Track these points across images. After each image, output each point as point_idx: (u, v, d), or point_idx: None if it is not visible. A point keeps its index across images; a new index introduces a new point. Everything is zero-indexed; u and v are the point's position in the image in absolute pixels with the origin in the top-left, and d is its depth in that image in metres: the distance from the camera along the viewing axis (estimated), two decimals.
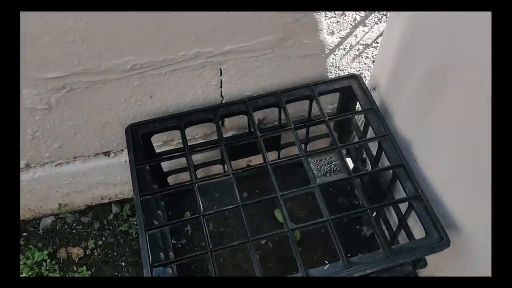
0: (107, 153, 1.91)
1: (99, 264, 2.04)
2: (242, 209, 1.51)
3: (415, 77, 1.50)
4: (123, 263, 2.04)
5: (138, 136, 1.69)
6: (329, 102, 1.98)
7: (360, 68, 1.92)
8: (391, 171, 1.62)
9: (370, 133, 1.74)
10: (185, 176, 2.13)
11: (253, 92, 1.81)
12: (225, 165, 1.61)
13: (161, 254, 1.55)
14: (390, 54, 1.66)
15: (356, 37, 1.73)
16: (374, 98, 1.72)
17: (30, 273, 1.95)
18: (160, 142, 1.94)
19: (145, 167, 1.63)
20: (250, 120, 1.74)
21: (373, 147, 1.78)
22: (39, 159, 1.82)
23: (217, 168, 1.99)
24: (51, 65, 1.40)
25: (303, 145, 2.02)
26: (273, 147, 1.99)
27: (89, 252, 2.06)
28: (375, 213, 1.55)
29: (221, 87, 1.75)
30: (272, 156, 1.74)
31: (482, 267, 1.36)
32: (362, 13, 1.64)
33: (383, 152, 1.65)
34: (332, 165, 1.61)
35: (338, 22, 1.63)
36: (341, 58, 1.80)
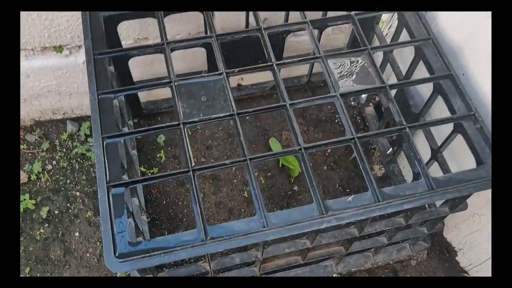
0: (59, 49, 1.45)
1: (46, 193, 1.62)
2: (238, 119, 1.11)
3: None
4: (77, 193, 1.63)
5: (99, 20, 1.24)
6: None
7: None
8: (426, 88, 1.24)
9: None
10: (160, 92, 1.71)
11: None
12: (217, 62, 1.19)
13: (124, 176, 1.15)
14: None
15: None
16: None
17: None
18: (130, 40, 1.50)
19: (105, 60, 1.19)
20: (248, 18, 1.32)
21: (407, 57, 1.38)
22: None
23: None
24: None
25: None
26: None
27: (35, 177, 1.64)
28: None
29: None
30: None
31: None
32: None
33: (422, 62, 1.27)
34: (358, 71, 1.21)
35: None
36: None
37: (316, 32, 1.34)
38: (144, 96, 1.70)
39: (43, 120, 1.74)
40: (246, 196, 1.68)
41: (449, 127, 1.21)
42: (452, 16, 1.28)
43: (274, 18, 1.55)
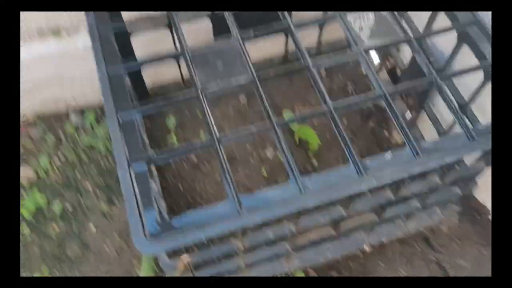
0: (56, 32, 1.37)
1: (57, 189, 1.55)
2: (261, 85, 1.03)
3: None
4: (88, 186, 1.55)
5: None
6: None
7: None
8: (447, 40, 1.17)
9: None
10: (168, 74, 1.63)
11: None
12: (230, 28, 1.11)
13: (142, 153, 1.07)
14: None
15: None
16: None
17: None
18: (131, 18, 1.41)
19: (110, 35, 1.11)
20: None
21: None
22: None
23: None
24: None
25: None
26: None
27: (43, 174, 1.56)
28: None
29: None
30: None
31: None
32: None
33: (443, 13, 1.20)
34: (378, 25, 1.14)
35: None
36: None
37: None
38: (150, 80, 1.62)
39: (46, 113, 1.66)
40: (265, 175, 1.61)
41: (477, 80, 1.15)
42: None
43: None
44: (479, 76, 1.13)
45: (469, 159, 1.25)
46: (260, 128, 0.99)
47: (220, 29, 1.39)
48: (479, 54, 1.12)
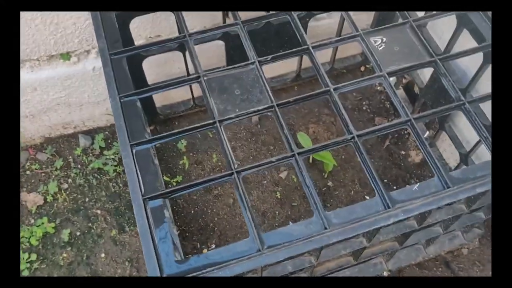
0: (66, 56, 1.33)
1: (65, 214, 1.50)
2: (279, 111, 0.99)
3: None
4: (98, 211, 1.51)
5: (111, 18, 1.13)
6: None
7: None
8: (470, 60, 1.12)
9: None
10: (176, 94, 1.59)
11: None
12: (247, 51, 1.07)
13: (157, 186, 1.02)
14: None
15: None
16: None
17: None
18: (142, 39, 1.38)
19: (122, 60, 1.07)
20: None
21: (440, 29, 1.27)
22: None
23: None
24: None
25: None
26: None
27: (51, 198, 1.52)
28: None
29: None
30: None
31: None
32: None
33: (467, 31, 1.15)
34: (400, 47, 1.10)
35: None
36: None
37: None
38: (159, 100, 1.58)
39: (54, 136, 1.62)
40: (279, 197, 1.56)
41: None
42: None
43: None
44: None
45: None
46: (280, 158, 0.95)
47: (233, 49, 1.36)
48: None
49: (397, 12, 1.17)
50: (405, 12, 1.12)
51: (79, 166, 1.58)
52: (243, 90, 1.03)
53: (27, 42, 1.24)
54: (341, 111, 0.99)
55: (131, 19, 1.19)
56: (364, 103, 1.78)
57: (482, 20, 1.12)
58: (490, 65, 1.14)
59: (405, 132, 1.70)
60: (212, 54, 1.48)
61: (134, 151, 0.93)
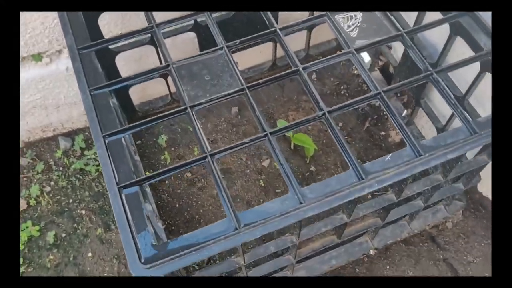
0: (38, 57, 1.33)
1: (49, 216, 1.50)
2: (250, 94, 1.00)
3: None
4: (82, 211, 1.51)
5: (78, 15, 1.13)
6: None
7: None
8: (439, 34, 1.14)
9: None
10: (154, 90, 1.59)
11: None
12: (214, 37, 1.08)
13: (132, 174, 1.02)
14: None
15: None
16: None
17: None
18: (112, 34, 1.38)
19: (91, 54, 1.07)
20: None
21: None
22: None
23: None
24: None
25: None
26: None
27: (34, 202, 1.51)
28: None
29: None
30: None
31: None
32: None
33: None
34: (368, 24, 1.11)
35: None
36: None
37: None
38: (137, 97, 1.58)
39: (33, 140, 1.61)
40: (262, 185, 1.57)
41: (472, 71, 1.12)
42: None
43: None
44: (475, 67, 1.10)
45: (471, 153, 1.22)
46: (253, 138, 0.95)
47: (205, 40, 1.36)
48: (474, 45, 1.09)
49: None
50: None
51: (60, 168, 1.58)
52: (213, 75, 1.03)
53: None
54: (311, 89, 1.00)
55: (98, 15, 1.19)
56: (342, 87, 1.79)
57: None
58: (457, 37, 1.16)
59: (383, 113, 1.71)
60: (185, 48, 1.48)
61: (107, 141, 0.93)
